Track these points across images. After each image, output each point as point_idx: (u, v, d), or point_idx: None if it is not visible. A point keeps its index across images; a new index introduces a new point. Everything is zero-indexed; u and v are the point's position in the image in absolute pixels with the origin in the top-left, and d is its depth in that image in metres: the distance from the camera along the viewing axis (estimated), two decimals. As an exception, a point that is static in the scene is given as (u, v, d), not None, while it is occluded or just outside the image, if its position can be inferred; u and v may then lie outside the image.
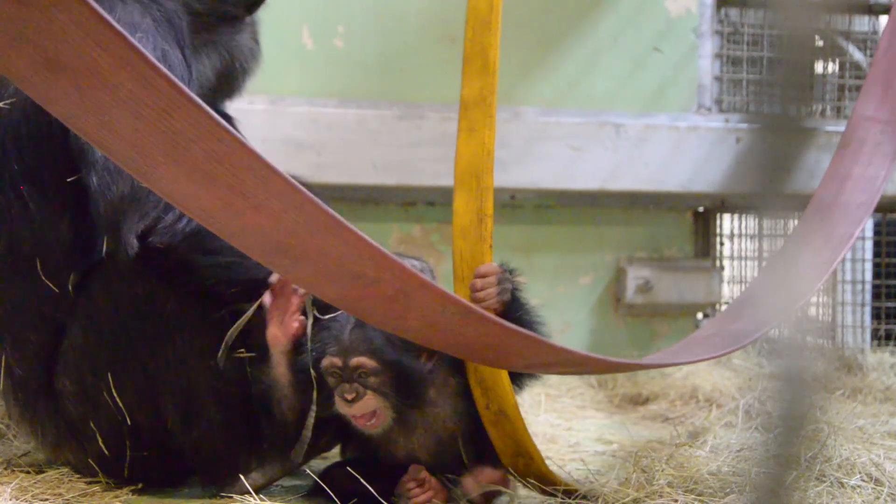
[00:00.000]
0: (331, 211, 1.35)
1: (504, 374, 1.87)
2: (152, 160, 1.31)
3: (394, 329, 1.72)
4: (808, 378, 0.80)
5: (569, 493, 1.90)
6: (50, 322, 1.95)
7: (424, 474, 1.88)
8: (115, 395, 1.90)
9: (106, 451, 1.94)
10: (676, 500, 1.73)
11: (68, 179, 1.89)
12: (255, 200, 1.32)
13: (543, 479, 1.95)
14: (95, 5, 1.14)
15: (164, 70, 1.19)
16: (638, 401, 3.36)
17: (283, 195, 1.32)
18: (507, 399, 1.87)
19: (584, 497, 1.85)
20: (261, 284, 1.89)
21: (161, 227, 1.82)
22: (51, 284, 1.91)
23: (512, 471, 1.95)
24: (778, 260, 2.42)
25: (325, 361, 1.81)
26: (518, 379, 1.99)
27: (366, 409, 1.81)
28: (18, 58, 1.19)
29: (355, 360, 1.79)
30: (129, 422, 1.91)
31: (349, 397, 1.80)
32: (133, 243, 1.83)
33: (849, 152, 2.35)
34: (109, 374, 1.90)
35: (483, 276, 1.84)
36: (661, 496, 1.75)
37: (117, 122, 1.25)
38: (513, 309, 1.85)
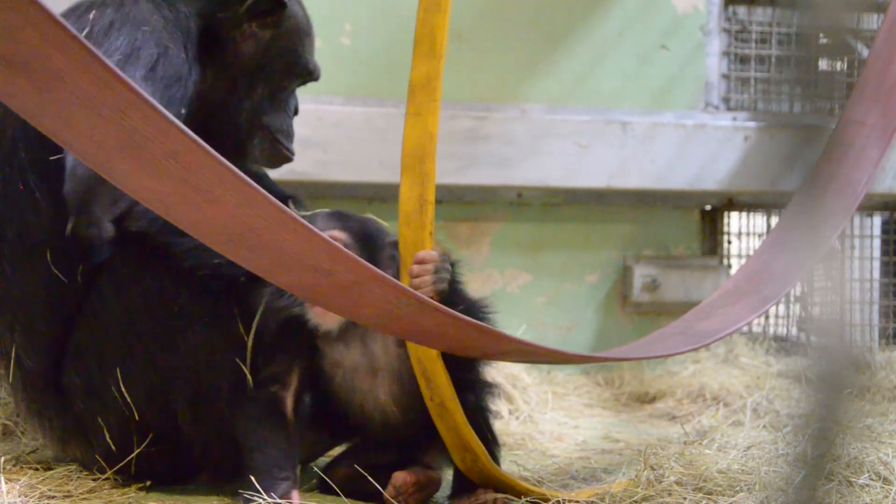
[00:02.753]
0: (284, 207, 1.39)
1: (440, 366, 1.85)
2: (110, 155, 1.37)
3: (351, 317, 1.76)
4: (835, 381, 0.80)
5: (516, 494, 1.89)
6: (59, 313, 1.96)
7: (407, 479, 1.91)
8: (123, 389, 1.90)
9: (113, 447, 1.94)
10: (685, 499, 1.72)
11: (51, 158, 1.88)
12: (211, 195, 1.37)
13: (488, 478, 1.92)
14: (46, 7, 1.16)
15: (119, 72, 1.22)
16: (645, 399, 3.35)
17: (238, 191, 1.36)
18: (445, 391, 1.85)
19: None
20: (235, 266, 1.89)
21: (137, 211, 1.84)
22: (60, 274, 1.92)
23: (461, 468, 1.93)
24: (754, 261, 2.42)
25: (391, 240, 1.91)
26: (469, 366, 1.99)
27: None
28: None
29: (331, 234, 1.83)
30: (136, 417, 1.92)
31: None
32: (108, 228, 1.85)
33: (835, 155, 2.35)
34: (118, 369, 1.91)
35: (420, 262, 1.83)
36: (670, 494, 1.75)
37: (76, 120, 1.29)
38: (452, 300, 1.84)
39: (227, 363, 1.95)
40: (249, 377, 1.95)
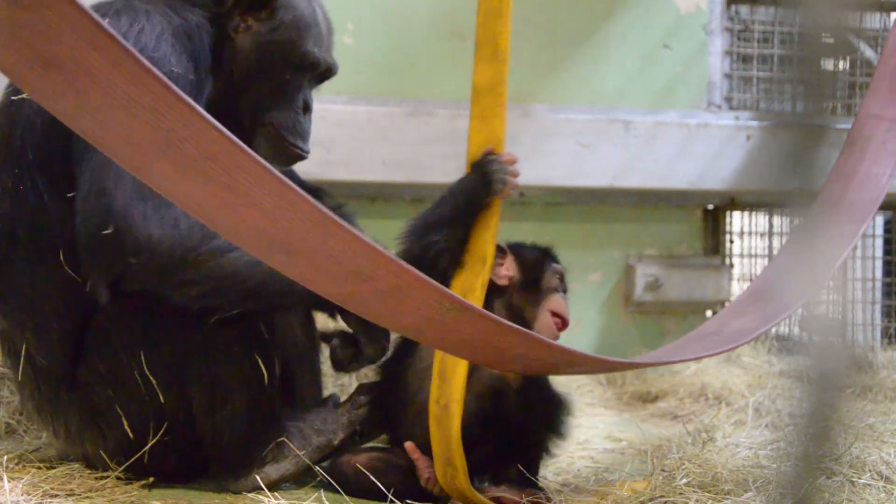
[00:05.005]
0: (324, 209, 1.36)
1: (464, 365, 1.83)
2: (147, 157, 1.34)
3: (390, 325, 1.74)
4: (836, 380, 0.79)
5: None
6: (73, 310, 1.97)
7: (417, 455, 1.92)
8: (147, 372, 1.91)
9: (131, 435, 1.95)
10: (689, 500, 1.72)
11: (69, 195, 1.90)
12: (250, 198, 1.34)
13: (462, 496, 1.86)
14: (85, 7, 1.15)
15: (157, 71, 1.21)
16: (647, 398, 3.35)
17: (278, 194, 1.33)
18: (456, 393, 1.83)
19: None
20: (246, 310, 1.90)
21: (130, 273, 1.83)
22: (73, 274, 1.93)
23: (441, 484, 1.88)
24: (783, 257, 2.42)
25: (555, 266, 2.08)
26: None
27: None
28: (15, 58, 1.21)
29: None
30: (161, 399, 1.93)
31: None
32: (104, 292, 1.89)
33: (855, 150, 2.34)
34: (142, 353, 1.92)
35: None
36: (676, 494, 1.75)
37: (112, 121, 1.27)
38: None
39: (244, 356, 1.96)
40: (266, 373, 1.96)
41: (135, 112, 1.24)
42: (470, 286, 1.88)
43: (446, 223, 1.91)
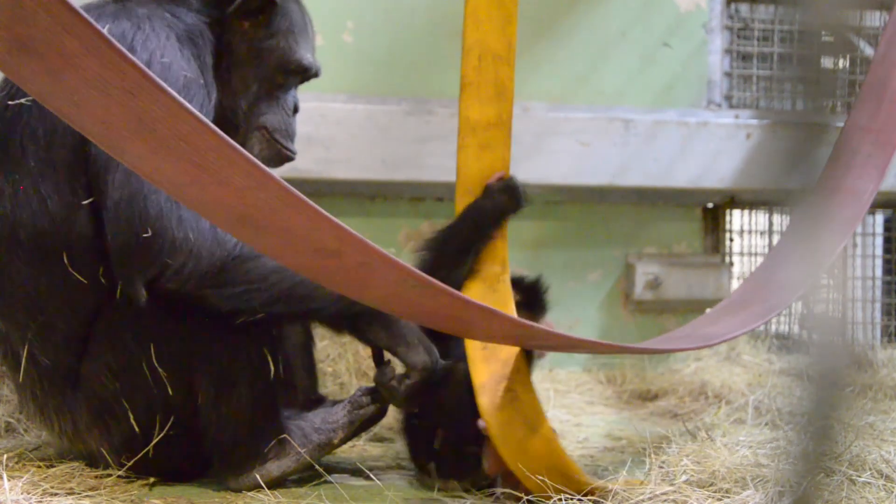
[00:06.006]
0: (292, 188, 1.41)
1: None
2: (121, 136, 1.39)
3: (358, 297, 1.79)
4: (836, 378, 0.80)
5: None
6: (81, 310, 1.97)
7: None
8: (155, 363, 1.92)
9: (137, 428, 1.95)
10: (689, 497, 1.72)
11: (83, 202, 1.92)
12: (220, 177, 1.39)
13: (534, 421, 1.92)
14: None
15: (127, 53, 1.25)
16: (646, 397, 3.36)
17: (247, 173, 1.38)
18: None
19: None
20: (274, 313, 1.92)
21: (169, 273, 1.85)
22: (79, 276, 1.93)
23: (488, 414, 1.94)
24: (760, 271, 2.42)
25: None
26: None
27: None
28: None
29: None
30: (170, 391, 1.93)
31: None
32: (142, 293, 1.89)
33: (841, 163, 2.34)
34: (151, 345, 1.93)
35: None
36: (675, 492, 1.75)
37: (86, 102, 1.32)
38: None
39: (253, 349, 1.97)
40: (272, 366, 1.98)
41: (108, 93, 1.28)
42: (496, 280, 2.11)
43: (472, 242, 2.14)
